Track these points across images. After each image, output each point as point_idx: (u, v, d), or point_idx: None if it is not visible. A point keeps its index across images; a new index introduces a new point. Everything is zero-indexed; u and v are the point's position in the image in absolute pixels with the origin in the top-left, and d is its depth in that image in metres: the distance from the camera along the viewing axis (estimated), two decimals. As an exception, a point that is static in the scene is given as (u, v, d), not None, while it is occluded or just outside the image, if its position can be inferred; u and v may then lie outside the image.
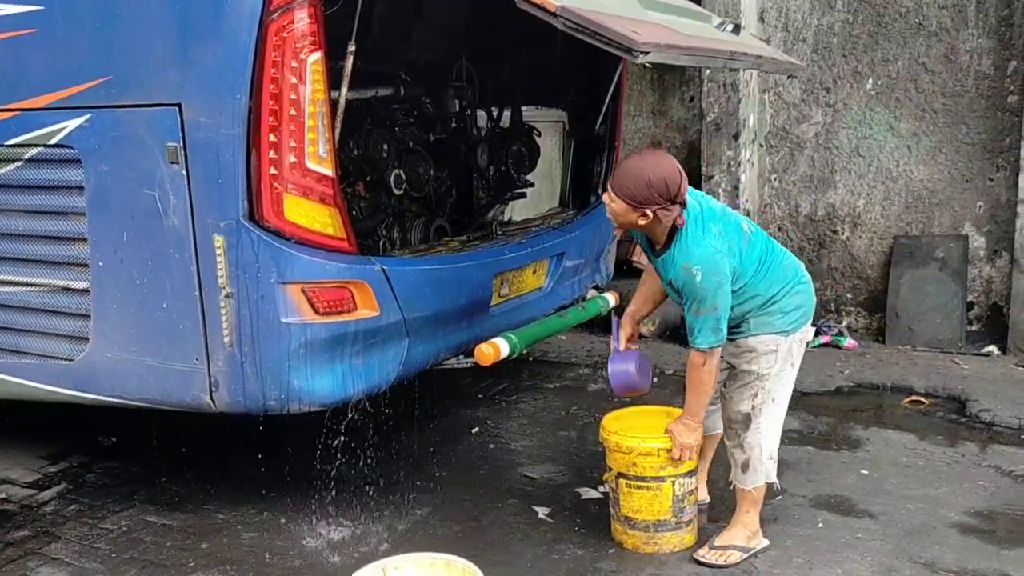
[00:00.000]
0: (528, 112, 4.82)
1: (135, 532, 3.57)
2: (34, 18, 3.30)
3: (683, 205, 2.97)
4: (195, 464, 4.14)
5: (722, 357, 3.20)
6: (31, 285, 3.51)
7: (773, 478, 3.31)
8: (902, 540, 3.37)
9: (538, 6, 2.74)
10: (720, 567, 3.20)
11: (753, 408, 3.20)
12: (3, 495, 3.94)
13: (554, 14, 2.72)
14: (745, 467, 3.25)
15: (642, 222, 2.97)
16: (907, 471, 3.99)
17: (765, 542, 3.32)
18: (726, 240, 3.04)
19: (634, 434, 3.28)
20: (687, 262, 2.98)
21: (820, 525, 3.50)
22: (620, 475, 3.29)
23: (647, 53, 2.68)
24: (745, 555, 3.25)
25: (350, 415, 3.58)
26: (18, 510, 3.80)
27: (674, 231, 3.01)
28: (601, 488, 3.81)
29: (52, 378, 3.54)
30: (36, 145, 3.33)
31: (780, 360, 3.18)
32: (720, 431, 3.42)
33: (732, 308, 3.07)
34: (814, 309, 3.31)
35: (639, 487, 3.25)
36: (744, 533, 3.29)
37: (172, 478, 4.00)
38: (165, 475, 4.03)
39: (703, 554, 3.25)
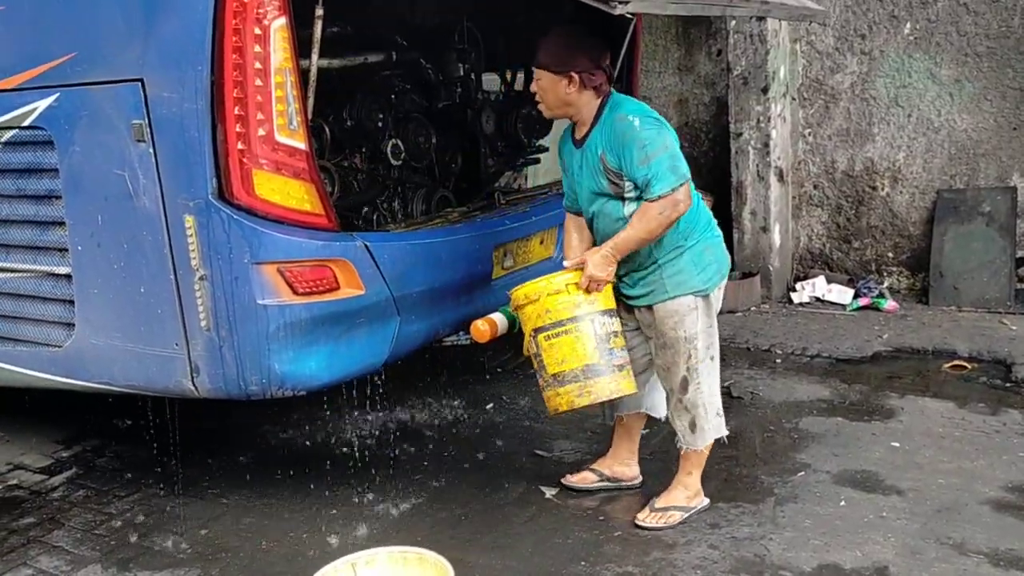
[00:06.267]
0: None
1: (137, 518, 3.52)
2: None
3: (608, 77, 3.03)
4: (205, 446, 4.08)
5: (641, 330, 3.16)
6: (18, 271, 3.45)
7: (723, 431, 3.27)
8: (930, 519, 3.15)
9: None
10: (660, 529, 3.18)
11: (688, 370, 3.10)
12: (15, 481, 3.93)
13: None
14: (692, 427, 3.20)
15: (570, 92, 2.99)
16: (942, 442, 3.74)
17: (706, 501, 3.30)
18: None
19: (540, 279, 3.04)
20: (621, 112, 2.98)
21: (842, 503, 3.29)
22: (536, 331, 2.99)
23: (626, 3, 2.46)
24: (686, 515, 3.24)
25: (355, 394, 3.47)
26: (27, 496, 3.78)
27: (601, 109, 3.03)
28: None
29: (44, 365, 3.49)
30: (11, 128, 3.25)
31: (703, 316, 3.11)
32: (644, 409, 3.40)
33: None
34: (728, 267, 3.23)
35: (557, 334, 2.96)
36: (685, 494, 3.27)
37: (181, 461, 3.94)
38: (174, 459, 3.97)
39: (643, 518, 3.23)
